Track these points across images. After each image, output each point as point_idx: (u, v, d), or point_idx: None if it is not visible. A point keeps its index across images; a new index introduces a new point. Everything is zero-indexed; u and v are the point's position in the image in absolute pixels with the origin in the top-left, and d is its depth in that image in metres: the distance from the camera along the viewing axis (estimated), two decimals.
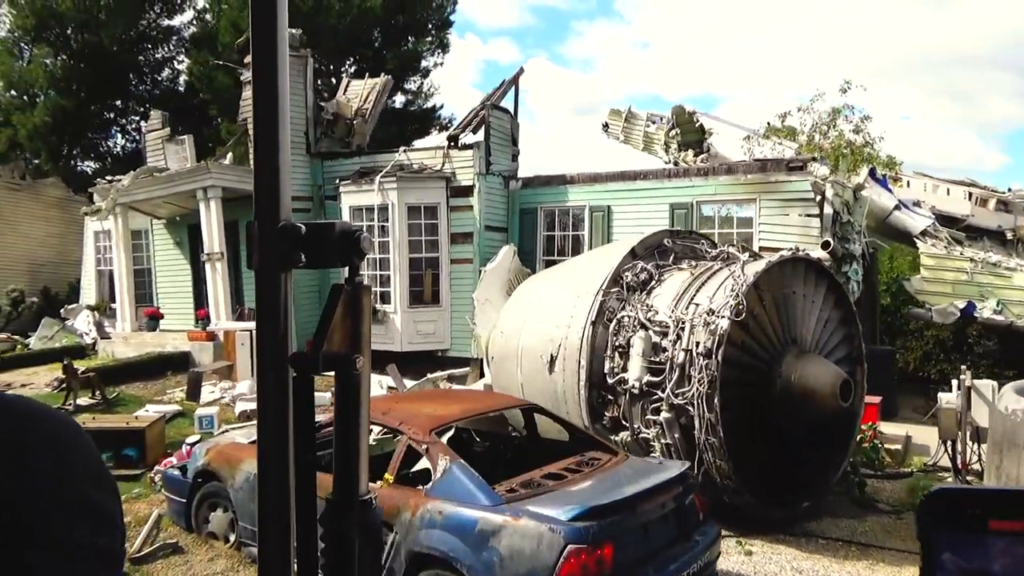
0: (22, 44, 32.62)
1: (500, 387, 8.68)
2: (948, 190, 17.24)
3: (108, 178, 16.18)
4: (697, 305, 6.78)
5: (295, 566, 0.89)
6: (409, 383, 11.28)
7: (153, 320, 15.13)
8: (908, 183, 17.48)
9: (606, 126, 19.77)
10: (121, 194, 14.36)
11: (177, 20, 35.19)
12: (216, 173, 13.56)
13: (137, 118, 35.34)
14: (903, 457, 9.42)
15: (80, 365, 12.26)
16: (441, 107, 35.13)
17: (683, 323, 6.74)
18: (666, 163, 17.24)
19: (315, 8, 29.39)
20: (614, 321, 7.30)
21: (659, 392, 6.78)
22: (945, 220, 16.07)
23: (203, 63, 31.31)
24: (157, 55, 35.72)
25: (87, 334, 16.57)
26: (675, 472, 4.99)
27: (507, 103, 15.32)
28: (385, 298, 14.11)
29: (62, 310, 17.64)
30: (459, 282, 14.07)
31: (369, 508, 0.90)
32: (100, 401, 10.60)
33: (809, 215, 11.78)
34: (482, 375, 13.33)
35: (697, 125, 17.30)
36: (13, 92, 32.16)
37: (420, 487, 5.04)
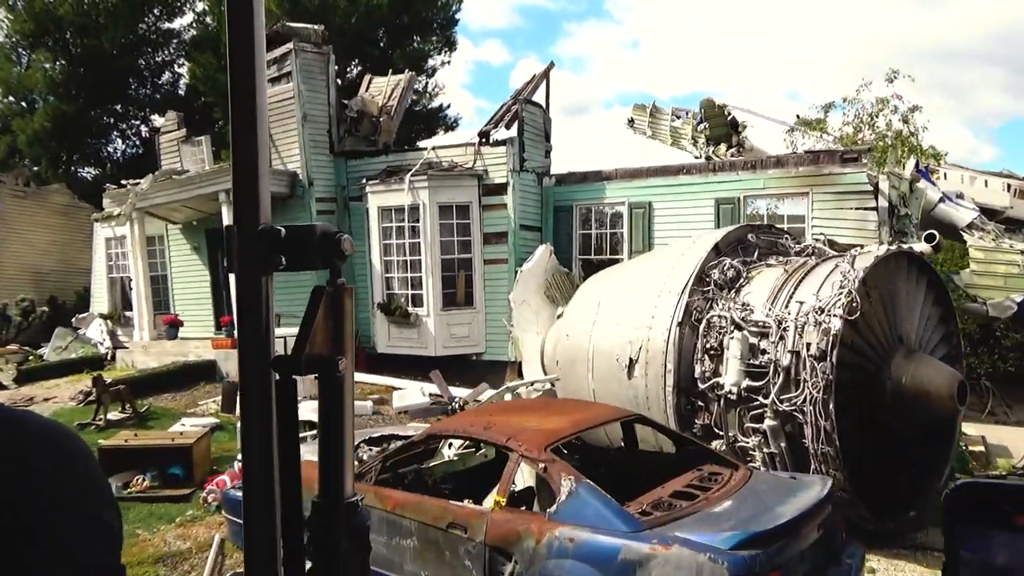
0: (20, 49, 31.94)
1: (567, 392, 8.17)
2: (986, 181, 16.81)
3: (124, 182, 15.60)
4: (801, 303, 6.27)
5: (281, 570, 0.88)
6: (458, 391, 10.73)
7: (173, 328, 14.54)
8: (945, 175, 17.03)
9: (631, 121, 19.28)
10: (140, 198, 13.78)
11: (177, 23, 34.57)
12: None
13: (138, 122, 34.73)
14: (987, 459, 8.95)
15: (105, 377, 11.68)
16: (448, 106, 34.61)
17: (786, 323, 6.24)
18: (696, 158, 16.77)
19: (321, 7, 28.82)
20: (703, 322, 6.79)
21: (760, 398, 6.28)
22: (984, 212, 15.65)
23: (206, 65, 30.72)
24: (157, 58, 35.09)
25: (101, 343, 16.00)
26: (825, 490, 4.48)
27: (535, 98, 14.83)
28: (417, 301, 13.57)
29: (73, 319, 17.03)
30: (493, 283, 13.55)
31: (355, 511, 0.90)
32: (131, 415, 10.02)
33: (865, 208, 11.32)
34: (521, 379, 12.82)
35: (729, 118, 16.82)
36: (11, 98, 31.50)
37: (538, 511, 4.51)
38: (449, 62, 33.65)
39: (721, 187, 12.51)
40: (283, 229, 0.86)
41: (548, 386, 8.13)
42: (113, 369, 13.83)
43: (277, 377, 0.87)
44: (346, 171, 14.93)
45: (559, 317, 11.46)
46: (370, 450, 6.55)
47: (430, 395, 10.97)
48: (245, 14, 0.87)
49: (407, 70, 17.16)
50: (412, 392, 11.19)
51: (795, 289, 6.54)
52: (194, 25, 34.93)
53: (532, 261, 12.84)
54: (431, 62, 33.12)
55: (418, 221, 13.50)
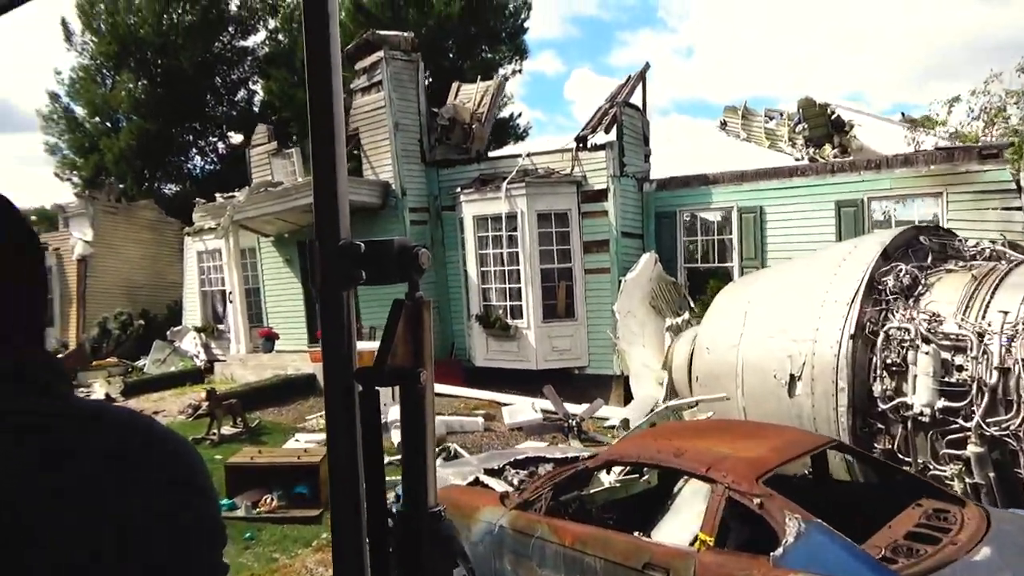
0: (105, 71, 33.02)
1: (712, 411, 7.58)
2: None
3: (218, 195, 15.68)
4: (1005, 313, 5.57)
5: None
6: (571, 407, 10.25)
7: (269, 341, 14.48)
8: None
9: (723, 124, 18.58)
10: (236, 211, 13.76)
11: (251, 41, 35.31)
12: None
13: (215, 139, 35.52)
14: None
15: (202, 391, 11.62)
16: (520, 115, 34.34)
17: (989, 335, 5.55)
18: (797, 159, 15.95)
19: (393, 20, 28.93)
20: (880, 334, 6.14)
21: (959, 420, 5.60)
22: None
23: (281, 80, 31.19)
24: (232, 76, 35.86)
25: (196, 356, 16.09)
26: None
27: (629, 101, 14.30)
28: (516, 312, 13.16)
29: (168, 332, 17.21)
30: (595, 294, 13.04)
31: (439, 520, 0.92)
32: (243, 430, 9.85)
33: (1009, 208, 10.42)
34: (627, 396, 12.26)
35: (833, 117, 15.97)
36: (98, 118, 32.53)
37: (758, 554, 3.97)
38: (520, 70, 33.41)
39: (841, 189, 11.74)
40: (363, 244, 0.88)
41: (692, 406, 7.56)
42: (213, 382, 13.81)
43: (360, 388, 0.89)
44: (438, 180, 14.67)
45: (675, 329, 10.89)
46: (517, 473, 6.12)
47: (542, 411, 10.51)
48: (321, 32, 0.88)
49: (495, 75, 16.86)
50: (522, 408, 10.74)
51: (990, 297, 5.84)
52: (267, 42, 35.60)
53: (636, 270, 12.30)
54: (501, 71, 32.94)
55: (515, 230, 13.10)
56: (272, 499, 7.13)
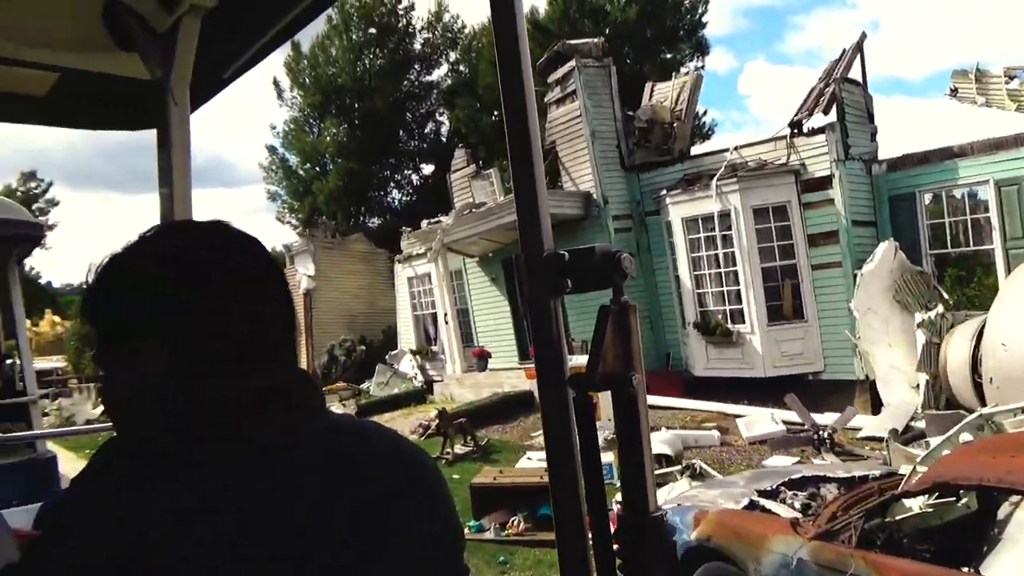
0: (311, 120, 36.16)
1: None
2: None
3: (424, 223, 16.32)
4: None
5: None
6: (819, 417, 9.27)
7: (482, 360, 14.73)
8: None
9: (954, 91, 16.36)
10: (445, 234, 14.17)
11: (435, 75, 37.11)
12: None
13: (409, 172, 37.61)
14: None
15: (427, 410, 11.94)
16: (705, 112, 33.06)
17: None
18: None
19: (570, 33, 29.03)
20: None
21: None
22: None
23: (466, 107, 32.36)
24: (421, 110, 37.82)
25: (414, 378, 16.76)
26: None
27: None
28: (736, 317, 12.29)
29: (387, 356, 18.15)
30: (826, 290, 11.86)
31: (661, 524, 0.92)
32: (474, 448, 9.94)
33: None
34: (874, 402, 10.95)
35: None
36: (308, 164, 35.65)
37: None
38: (703, 66, 32.14)
39: None
40: (566, 253, 0.91)
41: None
42: (433, 402, 14.26)
43: (574, 395, 0.92)
44: (639, 185, 14.19)
45: (929, 326, 9.56)
46: (796, 495, 5.44)
47: (783, 422, 9.61)
48: (511, 52, 0.93)
49: (693, 69, 16.12)
50: (759, 419, 9.89)
51: None
52: (449, 74, 37.23)
53: (874, 262, 11.04)
54: (683, 70, 31.92)
55: (729, 228, 12.27)
56: (519, 521, 6.97)
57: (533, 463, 8.84)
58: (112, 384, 0.87)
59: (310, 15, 1.59)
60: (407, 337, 18.48)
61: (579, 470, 0.91)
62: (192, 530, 0.70)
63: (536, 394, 8.25)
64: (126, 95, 1.86)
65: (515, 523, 7.01)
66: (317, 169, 35.64)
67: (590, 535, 0.92)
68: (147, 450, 0.80)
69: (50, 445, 6.52)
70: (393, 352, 18.35)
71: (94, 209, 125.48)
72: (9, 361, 6.57)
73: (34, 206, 37.91)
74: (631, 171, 14.27)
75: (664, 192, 13.20)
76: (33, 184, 42.01)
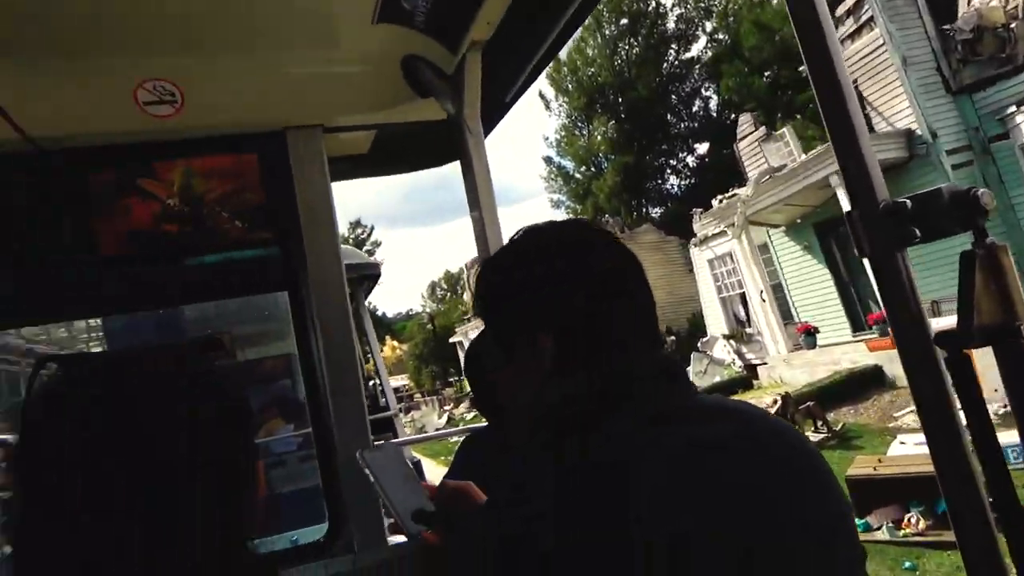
0: (579, 123, 36.94)
1: None
2: None
3: (719, 198, 15.51)
4: None
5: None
6: None
7: (809, 336, 13.48)
8: None
9: None
10: (747, 206, 13.26)
11: (694, 50, 35.70)
12: None
13: (684, 154, 36.60)
14: None
15: (759, 396, 11.13)
16: None
17: None
18: None
19: None
20: None
21: None
22: None
23: (736, 74, 30.55)
24: (685, 89, 36.63)
25: (731, 364, 15.98)
26: None
27: None
28: None
29: (699, 343, 17.59)
30: None
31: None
32: (829, 435, 9.00)
33: None
34: None
35: None
36: (584, 167, 36.44)
37: None
38: None
39: None
40: (908, 201, 0.82)
41: None
42: (762, 386, 13.38)
43: (945, 355, 0.81)
44: (974, 108, 11.92)
45: None
46: None
47: None
48: None
49: None
50: None
51: None
52: (709, 46, 35.56)
53: None
54: None
55: None
56: (917, 518, 6.02)
57: (909, 447, 7.69)
58: (509, 374, 0.89)
59: (575, 23, 1.66)
60: (715, 322, 17.72)
61: (967, 449, 0.80)
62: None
63: (887, 368, 7.20)
64: (429, 136, 2.11)
65: (912, 520, 6.07)
66: (593, 169, 36.28)
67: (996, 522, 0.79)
68: (552, 422, 0.82)
69: (413, 451, 7.35)
70: (704, 339, 17.71)
71: (403, 245, 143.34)
72: (372, 383, 7.48)
73: (364, 248, 43.96)
74: (961, 94, 12.05)
75: (1013, 109, 10.90)
76: (360, 230, 48.85)
